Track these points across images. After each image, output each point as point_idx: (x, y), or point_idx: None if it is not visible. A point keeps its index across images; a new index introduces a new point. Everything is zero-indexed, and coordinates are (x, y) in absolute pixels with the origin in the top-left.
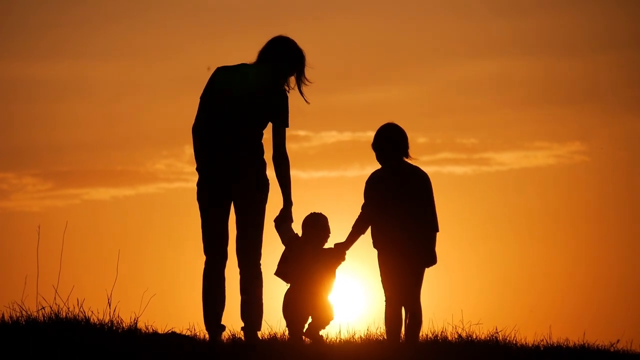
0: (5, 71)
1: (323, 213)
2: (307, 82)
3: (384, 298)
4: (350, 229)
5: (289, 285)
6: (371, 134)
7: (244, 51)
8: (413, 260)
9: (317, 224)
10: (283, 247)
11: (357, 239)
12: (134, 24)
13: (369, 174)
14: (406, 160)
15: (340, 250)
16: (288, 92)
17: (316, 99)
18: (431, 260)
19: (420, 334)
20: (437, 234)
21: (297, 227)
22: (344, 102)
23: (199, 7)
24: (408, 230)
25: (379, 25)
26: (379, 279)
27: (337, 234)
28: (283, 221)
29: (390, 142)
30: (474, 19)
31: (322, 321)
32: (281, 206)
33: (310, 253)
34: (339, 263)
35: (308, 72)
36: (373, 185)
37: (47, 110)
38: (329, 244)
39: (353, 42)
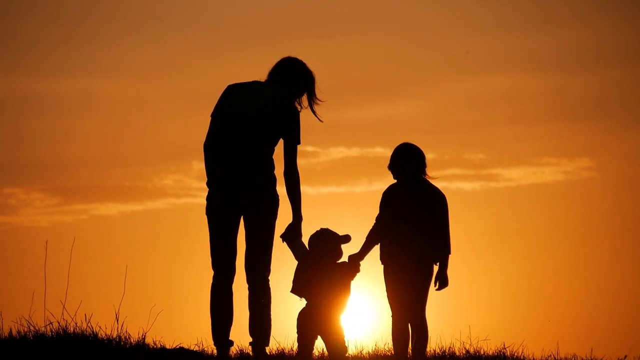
0: (12, 87)
1: (330, 228)
2: (318, 102)
3: (391, 313)
4: (364, 240)
5: (305, 302)
6: (379, 150)
7: (253, 68)
8: (420, 276)
9: (326, 240)
10: (292, 263)
11: (371, 250)
12: (141, 40)
13: (378, 190)
14: (426, 177)
15: (354, 261)
16: (300, 110)
17: (324, 114)
18: (443, 283)
19: (428, 350)
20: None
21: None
22: (352, 118)
23: (207, 24)
24: (417, 248)
25: (387, 41)
26: (386, 294)
27: (346, 250)
28: (294, 237)
29: (404, 164)
30: (482, 35)
31: (335, 349)
32: (289, 221)
33: (325, 267)
34: (354, 275)
35: (318, 90)
36: (389, 198)
37: (55, 126)
38: (343, 257)
39: (361, 58)
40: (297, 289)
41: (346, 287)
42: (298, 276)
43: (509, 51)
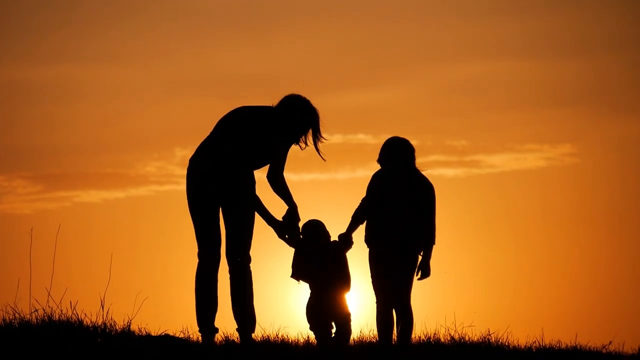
0: None
1: (318, 219)
2: (323, 140)
3: (374, 299)
4: (350, 219)
5: (310, 290)
6: (362, 136)
7: (234, 55)
8: (406, 263)
9: (316, 229)
10: (276, 251)
11: (356, 229)
12: (124, 27)
13: (360, 176)
14: (416, 167)
15: (346, 236)
16: (303, 149)
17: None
18: (425, 273)
19: (413, 336)
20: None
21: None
22: (334, 105)
23: (190, 11)
24: (404, 235)
25: (370, 27)
26: (370, 279)
27: (333, 233)
28: (291, 225)
29: (392, 156)
30: (465, 21)
31: (345, 327)
32: (278, 206)
33: (319, 249)
34: (348, 248)
35: (323, 128)
36: (378, 183)
37: (38, 113)
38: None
39: (343, 44)
40: (298, 274)
41: (343, 260)
42: (298, 261)
43: (492, 37)
